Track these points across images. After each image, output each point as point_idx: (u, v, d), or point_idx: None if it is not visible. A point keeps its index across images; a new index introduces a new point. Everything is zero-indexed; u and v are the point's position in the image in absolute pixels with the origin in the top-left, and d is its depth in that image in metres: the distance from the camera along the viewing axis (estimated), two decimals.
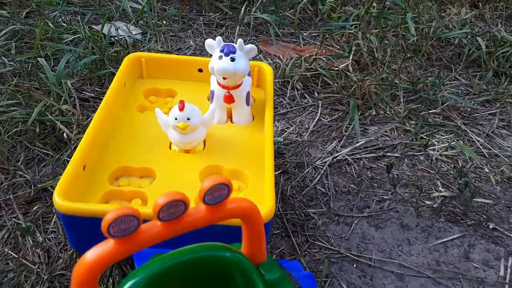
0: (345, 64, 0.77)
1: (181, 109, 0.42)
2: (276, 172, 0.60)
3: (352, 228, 0.54)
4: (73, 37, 0.77)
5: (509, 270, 0.50)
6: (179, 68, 0.55)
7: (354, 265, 0.50)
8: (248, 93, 0.48)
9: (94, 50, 0.72)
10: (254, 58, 0.59)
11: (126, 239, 0.23)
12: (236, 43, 0.45)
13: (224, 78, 0.45)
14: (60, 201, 0.35)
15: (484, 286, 0.48)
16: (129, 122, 0.48)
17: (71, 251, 0.48)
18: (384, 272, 0.49)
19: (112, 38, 0.79)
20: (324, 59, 0.79)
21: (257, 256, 0.30)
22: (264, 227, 0.29)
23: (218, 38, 0.46)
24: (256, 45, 0.73)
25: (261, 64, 0.54)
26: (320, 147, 0.65)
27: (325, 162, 0.62)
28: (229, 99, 0.47)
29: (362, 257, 0.50)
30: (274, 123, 0.69)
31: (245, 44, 0.46)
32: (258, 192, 0.41)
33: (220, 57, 0.44)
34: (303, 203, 0.57)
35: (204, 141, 0.46)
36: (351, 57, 0.77)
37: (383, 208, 0.56)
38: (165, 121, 0.44)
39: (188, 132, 0.43)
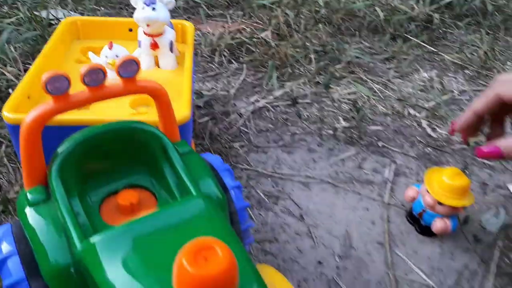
0: (265, 34, 0.89)
1: (110, 47, 0.50)
2: (205, 118, 0.70)
3: (268, 154, 0.64)
4: (14, 18, 0.83)
5: (392, 173, 0.62)
6: (112, 28, 0.64)
7: (269, 179, 0.60)
8: (171, 42, 0.58)
9: (35, 28, 0.79)
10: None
11: (61, 97, 0.31)
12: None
13: (148, 26, 0.54)
14: (9, 114, 0.42)
15: (372, 185, 0.60)
16: (69, 69, 0.56)
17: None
18: (293, 182, 0.60)
19: (52, 21, 0.86)
20: (248, 29, 0.90)
21: (170, 135, 0.39)
22: (183, 128, 0.38)
23: None
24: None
25: (183, 21, 0.64)
26: (244, 100, 0.76)
27: (248, 110, 0.73)
28: (154, 45, 0.56)
29: (275, 173, 0.61)
30: (204, 82, 0.79)
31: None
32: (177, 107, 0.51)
33: (143, 8, 0.54)
34: (228, 140, 0.67)
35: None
36: (270, 28, 0.88)
37: (294, 139, 0.67)
38: (97, 61, 0.52)
39: None
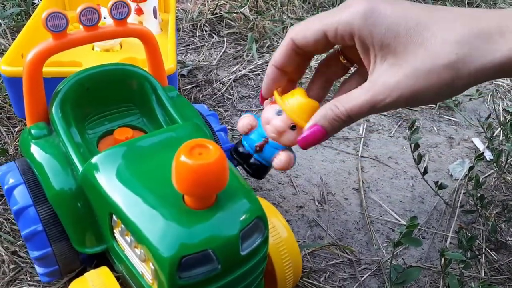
0: (243, 9, 0.92)
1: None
2: (189, 86, 0.73)
3: None
4: None
5: (364, 130, 0.67)
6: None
7: None
8: (154, 8, 0.61)
9: (20, 4, 0.81)
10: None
11: (60, 34, 0.34)
12: None
13: None
14: (6, 67, 0.45)
15: (348, 141, 0.65)
16: None
17: None
18: None
19: (36, 1, 0.88)
20: (227, 5, 0.93)
21: (159, 80, 0.43)
22: (169, 79, 0.42)
23: None
24: None
25: None
26: (226, 70, 0.79)
27: (230, 78, 0.76)
28: (139, 11, 0.59)
29: None
30: (186, 55, 0.82)
31: None
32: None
33: None
34: (212, 105, 0.70)
35: (121, 44, 0.58)
36: (248, 4, 0.92)
37: None
38: None
39: None
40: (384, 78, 0.28)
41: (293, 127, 0.36)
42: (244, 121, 0.38)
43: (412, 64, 0.27)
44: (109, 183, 0.31)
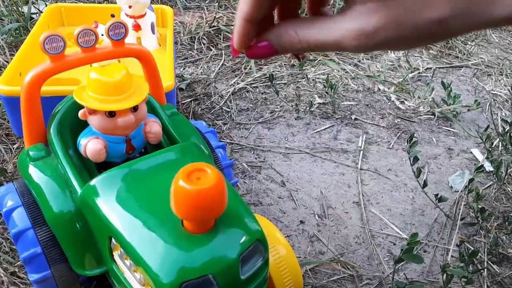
0: None
1: (96, 27, 0.53)
2: (188, 100, 0.73)
3: (250, 130, 0.68)
4: None
5: (363, 142, 0.66)
6: (95, 14, 0.67)
7: (252, 152, 0.64)
8: (152, 23, 0.61)
9: (18, 20, 0.81)
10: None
11: (58, 57, 0.34)
12: None
13: (130, 7, 0.57)
14: (4, 87, 0.45)
15: (347, 153, 0.64)
16: None
17: None
18: (274, 154, 0.64)
19: (34, 15, 0.88)
20: (224, 18, 0.94)
21: (157, 98, 0.43)
22: (168, 96, 0.42)
23: None
24: None
25: (163, 6, 0.68)
26: (224, 83, 0.79)
27: (229, 91, 0.76)
28: (137, 27, 0.59)
29: (257, 146, 0.65)
30: (185, 68, 0.82)
31: None
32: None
33: None
34: (211, 118, 0.70)
35: (119, 60, 0.58)
36: None
37: (274, 116, 0.71)
38: None
39: None
40: (360, 22, 0.23)
41: (135, 108, 0.35)
42: (98, 149, 0.34)
43: (396, 13, 0.22)
44: (108, 206, 0.31)
